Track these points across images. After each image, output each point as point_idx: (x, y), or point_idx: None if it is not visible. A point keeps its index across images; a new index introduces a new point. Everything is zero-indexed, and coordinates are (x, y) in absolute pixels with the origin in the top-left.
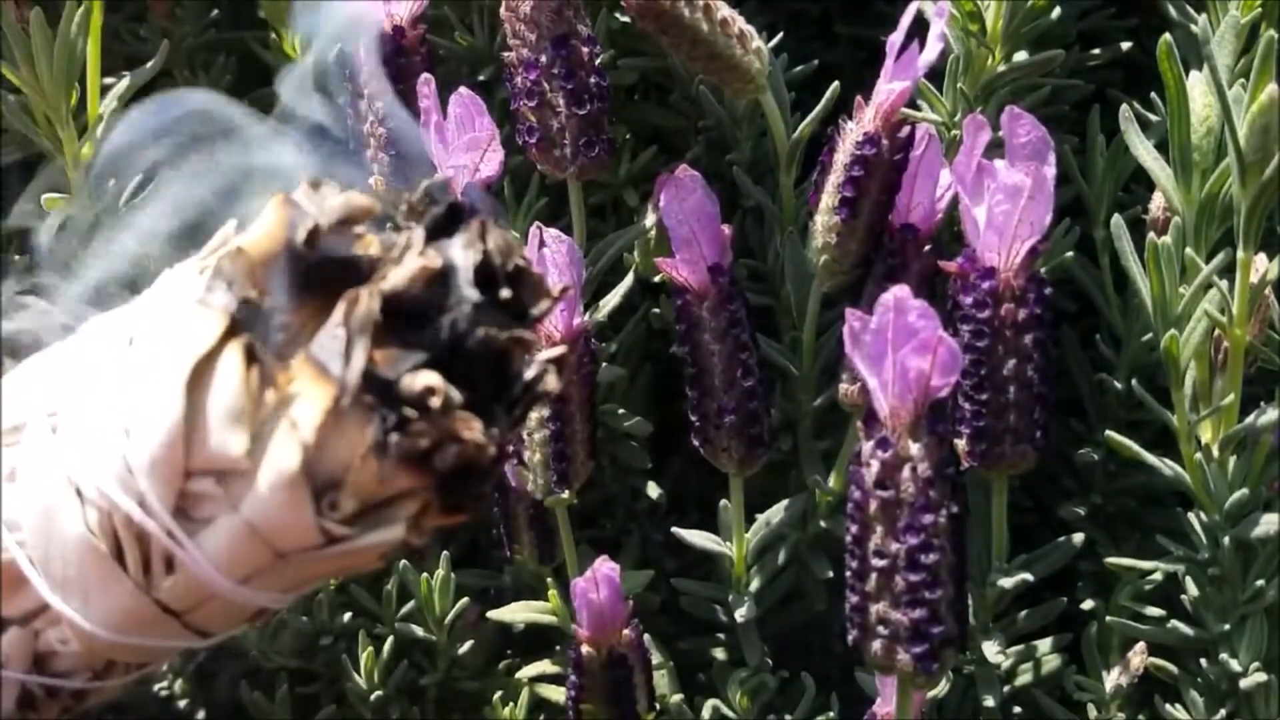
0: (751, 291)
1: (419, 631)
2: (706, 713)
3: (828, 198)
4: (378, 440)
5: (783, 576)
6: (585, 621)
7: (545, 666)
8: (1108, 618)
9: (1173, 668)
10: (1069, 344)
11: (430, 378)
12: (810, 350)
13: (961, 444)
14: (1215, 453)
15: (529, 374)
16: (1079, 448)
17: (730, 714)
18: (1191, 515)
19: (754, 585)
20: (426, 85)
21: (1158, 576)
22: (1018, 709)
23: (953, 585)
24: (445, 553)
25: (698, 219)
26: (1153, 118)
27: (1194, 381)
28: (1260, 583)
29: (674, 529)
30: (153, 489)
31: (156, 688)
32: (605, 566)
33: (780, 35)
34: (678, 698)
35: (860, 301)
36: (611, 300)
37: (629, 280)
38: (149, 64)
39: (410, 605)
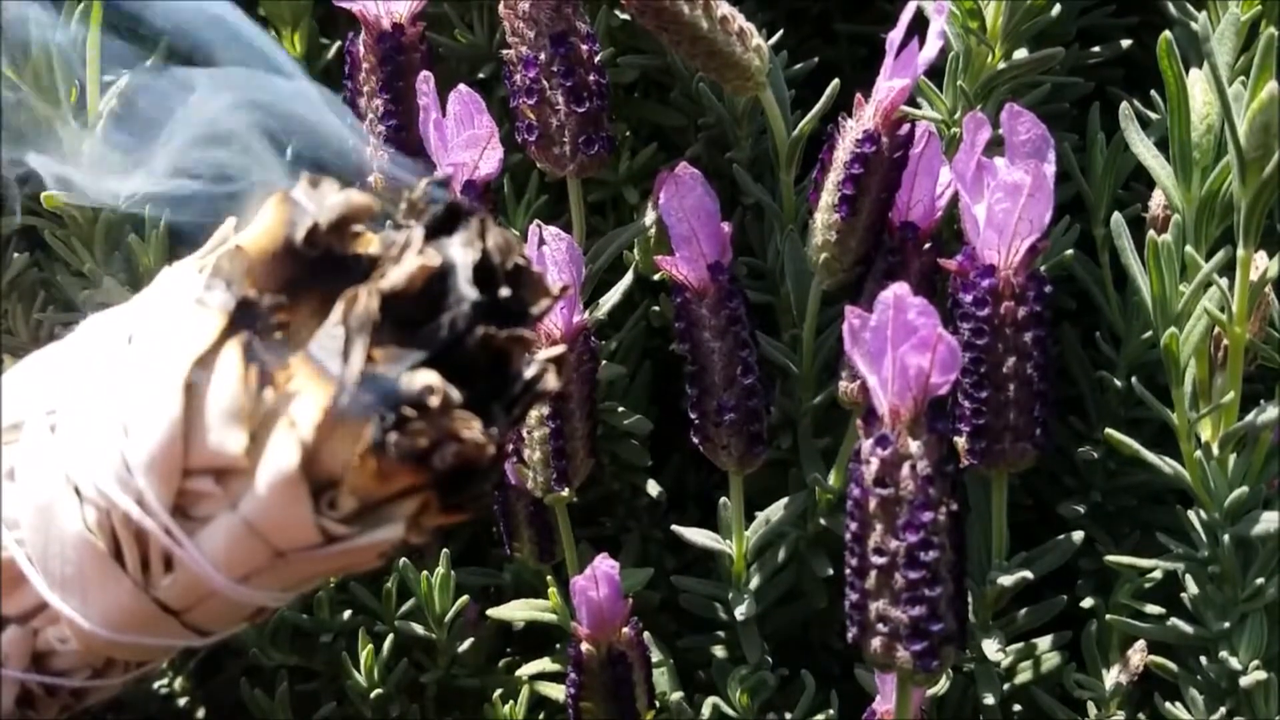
0: (751, 289)
1: (419, 629)
2: (706, 710)
3: (828, 195)
4: (377, 439)
5: (782, 574)
6: (585, 619)
7: (545, 664)
8: (1108, 615)
9: (1173, 666)
10: (1069, 342)
11: (429, 377)
12: (810, 348)
13: (961, 442)
14: (1215, 450)
15: (528, 373)
16: (1079, 445)
17: (730, 712)
18: (1191, 513)
19: (754, 583)
20: (425, 83)
21: (1157, 574)
22: (1017, 707)
23: (952, 583)
24: (445, 551)
25: (697, 216)
26: (1153, 115)
27: (1194, 379)
28: (1260, 580)
29: (674, 527)
30: (151, 487)
31: (156, 685)
32: (605, 564)
33: (780, 33)
34: (677, 695)
35: (860, 299)
36: (611, 298)
37: (629, 278)
38: (149, 63)
39: (410, 603)
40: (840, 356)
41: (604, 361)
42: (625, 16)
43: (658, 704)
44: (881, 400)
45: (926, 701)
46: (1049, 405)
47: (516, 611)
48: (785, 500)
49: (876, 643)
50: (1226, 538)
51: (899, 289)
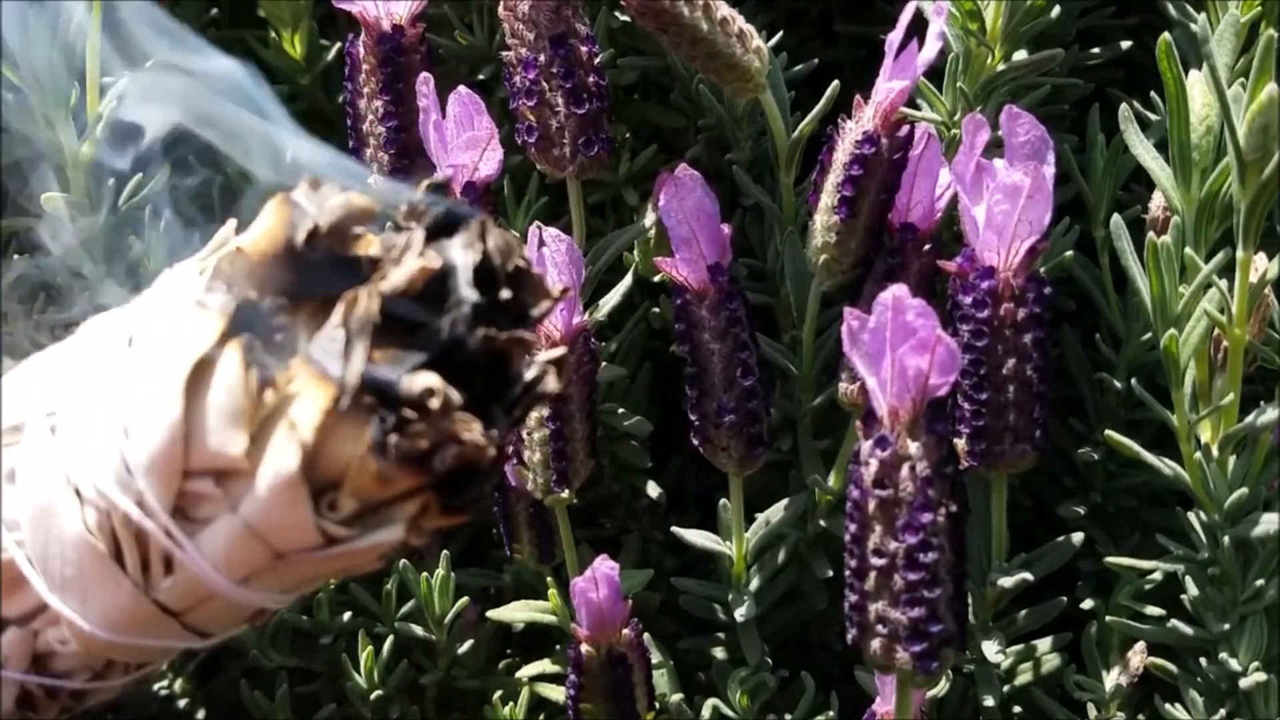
0: (751, 291)
1: (419, 631)
2: (706, 712)
3: (827, 197)
4: (377, 441)
5: (782, 575)
6: (585, 620)
7: (545, 666)
8: (1108, 617)
9: (1172, 667)
10: (1069, 343)
11: (430, 378)
12: (810, 349)
13: (961, 443)
14: (1215, 452)
15: (529, 375)
16: (1079, 447)
17: (730, 713)
18: (1191, 514)
19: (754, 584)
20: (425, 84)
21: (1157, 576)
22: (1017, 708)
23: (952, 584)
24: (445, 552)
25: (697, 218)
26: (1152, 117)
27: (1194, 381)
28: (1260, 582)
29: (674, 528)
30: (151, 489)
31: (156, 687)
32: (605, 565)
33: (780, 34)
34: (677, 697)
35: (859, 300)
36: (611, 299)
37: (628, 279)
38: (148, 63)
39: (410, 604)
40: (840, 358)
41: (604, 363)
42: (625, 18)
43: (658, 705)
44: (881, 402)
45: (926, 703)
46: (1048, 407)
47: (516, 613)
48: (785, 502)
49: (876, 644)
50: (1226, 539)
51: (898, 290)
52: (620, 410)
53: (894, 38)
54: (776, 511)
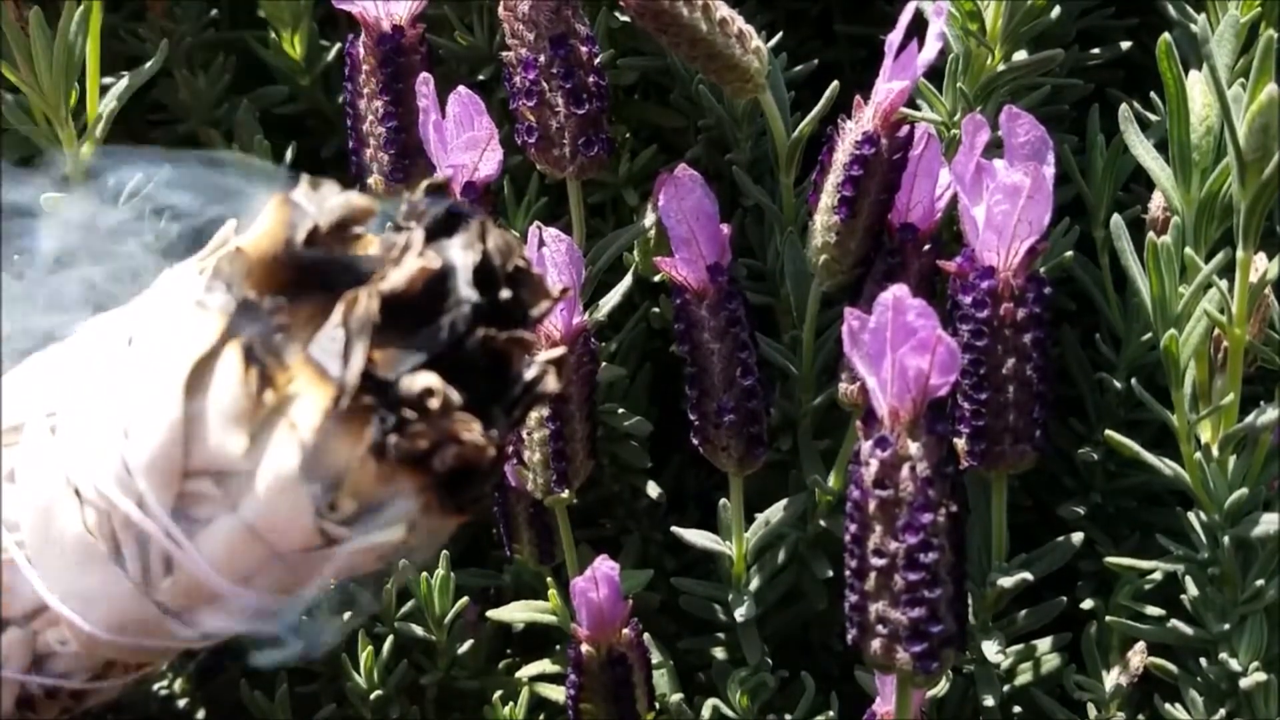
0: (751, 291)
1: (419, 631)
2: (706, 712)
3: (827, 197)
4: (377, 441)
5: (782, 576)
6: (585, 621)
7: (545, 666)
8: (1108, 617)
9: (1172, 667)
10: (1069, 343)
11: (429, 379)
12: (810, 349)
13: (961, 443)
14: (1215, 452)
15: (529, 374)
16: (1079, 447)
17: (730, 713)
18: (1191, 515)
19: (754, 584)
20: (425, 85)
21: (1158, 576)
22: (1017, 708)
23: (952, 584)
24: (445, 552)
25: (697, 218)
26: (1152, 117)
27: (1194, 381)
28: (1260, 582)
29: (674, 528)
30: (151, 489)
31: (156, 687)
32: (605, 566)
33: (780, 34)
34: (677, 697)
35: (859, 301)
36: (611, 299)
37: (628, 279)
38: (148, 64)
39: (410, 605)
40: (840, 358)
41: (604, 363)
42: (625, 18)
43: (658, 705)
44: (881, 402)
45: (926, 703)
46: (1048, 407)
47: (516, 613)
48: (785, 502)
49: (876, 644)
50: (1226, 539)
51: (898, 291)
52: (620, 410)
53: (894, 38)
54: (776, 511)
